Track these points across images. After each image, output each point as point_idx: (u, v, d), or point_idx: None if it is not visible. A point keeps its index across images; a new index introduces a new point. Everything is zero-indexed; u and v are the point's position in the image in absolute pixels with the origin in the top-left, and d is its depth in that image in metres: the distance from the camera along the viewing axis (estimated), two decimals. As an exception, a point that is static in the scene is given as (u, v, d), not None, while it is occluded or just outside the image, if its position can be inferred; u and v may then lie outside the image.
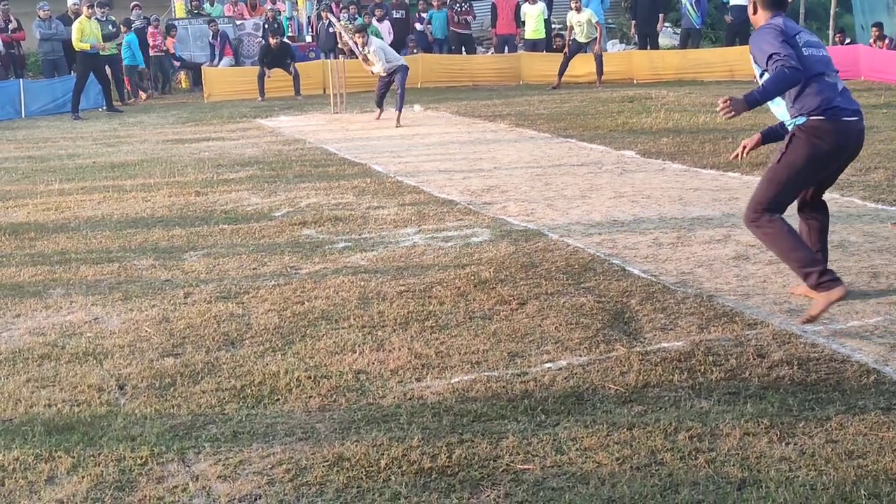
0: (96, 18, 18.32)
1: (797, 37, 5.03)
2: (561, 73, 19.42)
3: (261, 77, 20.01)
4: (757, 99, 4.97)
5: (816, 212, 5.41)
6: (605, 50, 22.34)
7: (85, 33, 17.60)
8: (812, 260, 4.98)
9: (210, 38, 22.66)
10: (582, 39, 19.40)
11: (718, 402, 4.03)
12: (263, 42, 20.98)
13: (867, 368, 4.32)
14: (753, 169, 9.21)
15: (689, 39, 21.38)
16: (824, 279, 4.87)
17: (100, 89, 19.19)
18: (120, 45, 20.68)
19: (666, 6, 21.54)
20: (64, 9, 21.20)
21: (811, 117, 5.02)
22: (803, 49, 4.99)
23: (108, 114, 18.17)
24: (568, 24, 19.67)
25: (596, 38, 19.52)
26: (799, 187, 5.20)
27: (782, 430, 3.73)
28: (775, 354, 4.52)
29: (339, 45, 17.98)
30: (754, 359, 4.48)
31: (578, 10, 19.39)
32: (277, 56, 20.03)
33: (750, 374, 4.30)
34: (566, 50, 19.73)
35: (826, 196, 7.78)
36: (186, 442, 3.87)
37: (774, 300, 5.34)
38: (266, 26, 22.62)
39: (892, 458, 3.47)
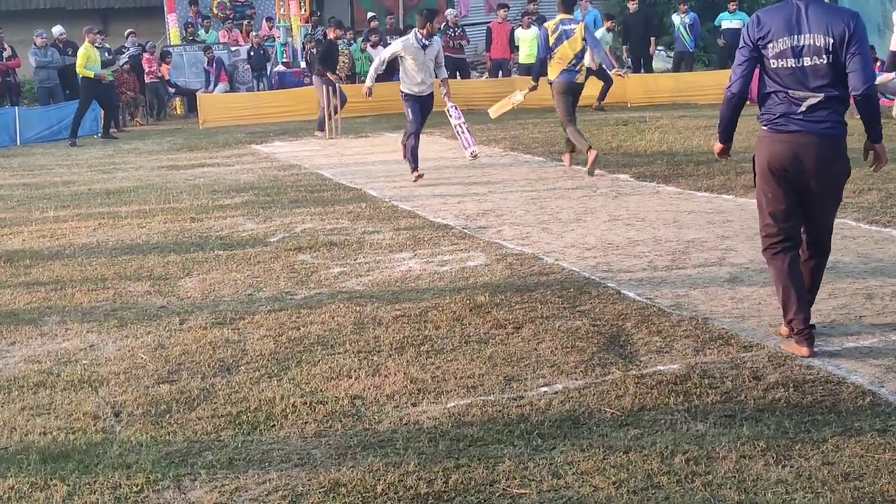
0: (97, 46, 18.41)
1: (770, 42, 4.78)
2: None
3: (327, 90, 16.83)
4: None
5: (811, 251, 5.08)
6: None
7: (90, 59, 17.66)
8: (793, 307, 4.85)
9: (205, 64, 22.72)
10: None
11: (714, 425, 4.03)
12: (319, 39, 19.96)
13: (863, 390, 4.33)
14: (748, 191, 9.24)
15: (682, 63, 21.47)
16: (797, 331, 4.84)
17: (94, 116, 19.22)
18: (116, 71, 20.73)
19: (658, 30, 21.63)
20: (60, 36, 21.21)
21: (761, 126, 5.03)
22: (772, 60, 4.80)
23: (104, 140, 18.07)
24: None
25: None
26: (769, 208, 5.03)
27: (779, 453, 3.73)
28: (771, 377, 4.53)
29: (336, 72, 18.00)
30: (750, 381, 4.48)
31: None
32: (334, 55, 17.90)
33: (746, 397, 4.31)
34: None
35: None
36: (182, 469, 3.86)
37: (770, 322, 5.34)
38: (252, 53, 22.73)
39: (888, 479, 3.47)
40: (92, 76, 17.65)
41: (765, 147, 5.04)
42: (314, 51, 22.14)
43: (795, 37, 4.73)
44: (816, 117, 4.78)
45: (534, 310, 5.77)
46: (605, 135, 14.76)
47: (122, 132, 20.07)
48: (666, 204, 8.94)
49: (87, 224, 9.37)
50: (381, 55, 11.70)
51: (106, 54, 19.92)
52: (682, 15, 20.99)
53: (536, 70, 12.28)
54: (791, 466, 3.63)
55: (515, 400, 4.41)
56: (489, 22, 22.96)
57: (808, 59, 4.71)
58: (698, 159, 11.47)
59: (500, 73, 22.44)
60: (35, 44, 20.24)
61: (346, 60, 17.72)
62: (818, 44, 4.69)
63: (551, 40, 11.16)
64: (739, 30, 21.01)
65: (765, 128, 5.02)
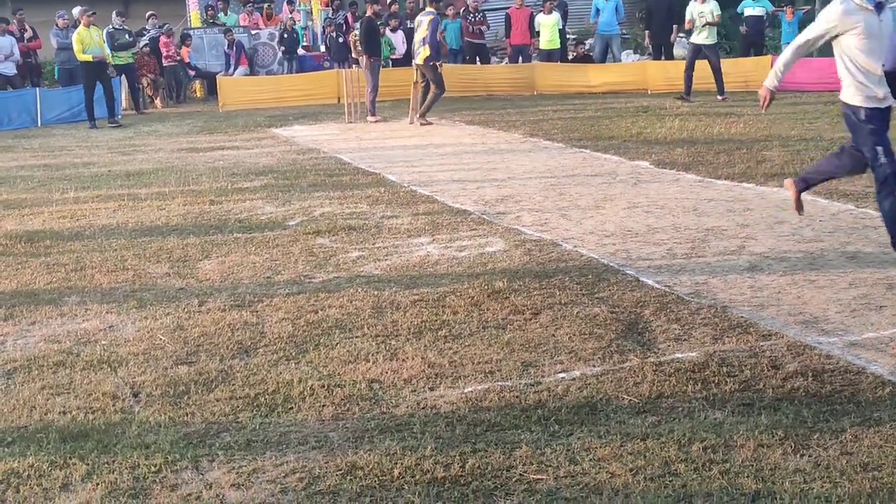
0: (115, 27, 18.37)
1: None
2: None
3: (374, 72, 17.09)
4: None
5: None
6: (619, 60, 22.28)
7: (85, 43, 17.39)
8: None
9: (225, 47, 22.73)
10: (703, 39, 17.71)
11: (732, 414, 4.02)
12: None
13: (882, 380, 4.31)
14: (768, 179, 9.21)
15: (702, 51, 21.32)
16: None
17: (117, 97, 19.28)
18: (136, 53, 20.78)
19: (680, 17, 21.50)
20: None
21: None
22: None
23: (110, 125, 17.73)
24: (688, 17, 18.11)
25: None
26: None
27: (797, 442, 3.72)
28: (790, 366, 4.51)
29: (353, 55, 17.98)
30: (768, 370, 4.47)
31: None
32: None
33: (764, 386, 4.29)
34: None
35: (841, 207, 7.80)
36: (200, 450, 3.88)
37: (789, 311, 5.32)
38: (285, 35, 22.68)
39: (907, 470, 3.45)
40: (90, 59, 17.40)
41: None
42: (334, 34, 22.13)
43: None
44: None
45: (552, 296, 5.76)
46: (624, 121, 14.71)
47: (142, 114, 20.14)
48: (686, 191, 8.90)
49: (106, 205, 9.41)
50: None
51: (126, 36, 19.98)
52: (699, 3, 20.82)
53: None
54: (809, 456, 3.61)
55: (533, 386, 4.41)
56: (509, 7, 22.85)
57: None
58: (718, 147, 11.42)
59: (521, 58, 22.38)
60: (57, 25, 20.28)
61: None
62: None
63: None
64: (762, 17, 21.07)
65: None
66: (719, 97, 17.60)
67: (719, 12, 17.62)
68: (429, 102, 15.93)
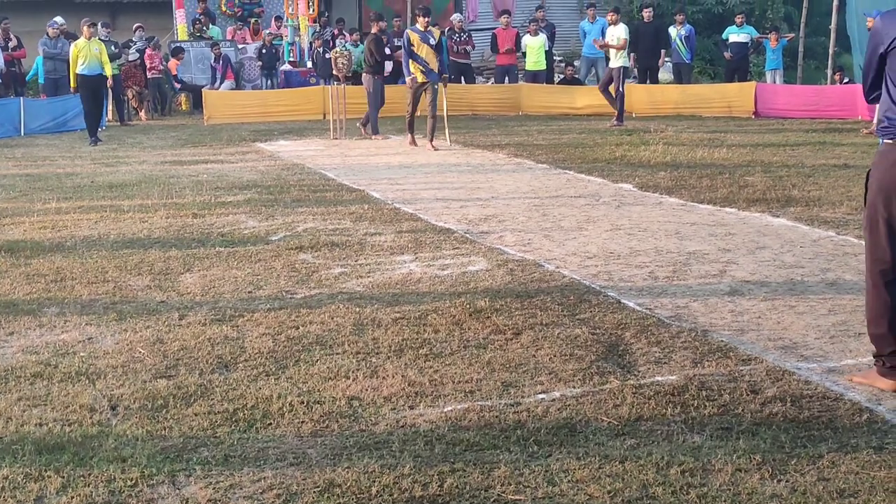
0: (101, 38, 17.93)
1: None
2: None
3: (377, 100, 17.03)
4: None
5: None
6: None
7: (83, 56, 16.40)
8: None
9: (212, 61, 22.71)
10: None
11: (711, 438, 4.02)
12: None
13: (860, 407, 4.32)
14: (750, 205, 9.25)
15: (681, 74, 21.50)
16: (891, 365, 4.53)
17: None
18: (123, 65, 20.74)
19: (667, 42, 21.67)
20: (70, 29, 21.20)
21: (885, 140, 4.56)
22: None
23: (91, 141, 16.59)
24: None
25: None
26: (888, 234, 4.52)
27: (774, 467, 3.73)
28: (769, 391, 4.52)
29: (334, 72, 17.92)
30: (747, 395, 4.48)
31: (615, 22, 18.22)
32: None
33: (743, 410, 4.30)
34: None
35: (822, 234, 7.83)
36: (177, 464, 3.85)
37: (769, 336, 5.34)
38: (264, 51, 22.70)
39: (883, 497, 3.47)
40: (85, 73, 16.43)
41: (887, 164, 4.51)
42: (320, 50, 22.16)
43: None
44: None
45: (533, 316, 5.77)
46: (609, 144, 14.77)
47: (126, 126, 20.08)
48: (668, 215, 8.94)
49: (88, 216, 9.38)
50: None
51: (113, 48, 19.93)
52: (679, 27, 21.00)
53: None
54: (786, 481, 3.62)
55: (513, 406, 4.41)
56: (495, 28, 22.94)
57: None
58: (701, 172, 11.48)
59: (507, 78, 22.46)
60: (47, 34, 20.20)
61: (345, 62, 17.65)
62: None
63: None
64: (746, 44, 21.26)
65: (889, 141, 4.51)
66: (615, 122, 17.75)
67: (626, 37, 17.90)
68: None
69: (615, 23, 18.09)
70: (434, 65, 14.98)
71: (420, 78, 14.97)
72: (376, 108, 16.90)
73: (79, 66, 16.44)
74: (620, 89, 17.74)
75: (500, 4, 27.75)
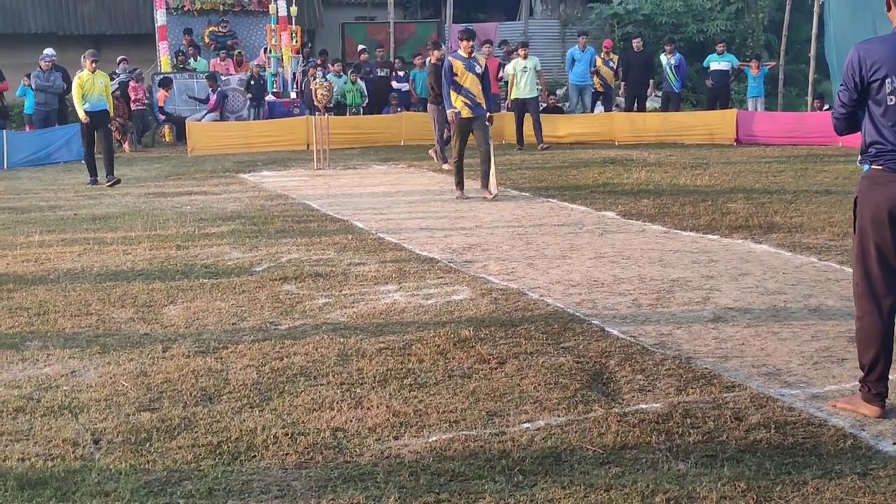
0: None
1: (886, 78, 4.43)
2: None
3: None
4: None
5: None
6: (589, 110, 22.49)
7: (85, 89, 15.17)
8: (880, 370, 4.57)
9: (209, 91, 22.71)
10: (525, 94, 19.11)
11: (696, 465, 4.03)
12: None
13: (844, 433, 4.34)
14: (733, 232, 9.30)
15: (670, 103, 21.64)
16: (875, 392, 4.56)
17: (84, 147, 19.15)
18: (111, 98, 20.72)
19: (656, 72, 21.82)
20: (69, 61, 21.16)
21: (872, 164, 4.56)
22: (889, 96, 4.43)
23: (108, 183, 15.21)
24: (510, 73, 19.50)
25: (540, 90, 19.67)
26: (876, 264, 4.59)
27: (759, 494, 3.73)
28: (753, 417, 4.53)
29: (315, 102, 17.92)
30: (732, 421, 4.49)
31: (525, 56, 19.31)
32: None
33: (727, 437, 4.31)
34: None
35: (804, 260, 7.87)
36: (161, 498, 3.83)
37: (752, 363, 5.36)
38: (252, 83, 22.73)
39: (868, 523, 3.47)
40: (89, 110, 15.23)
41: (879, 190, 4.54)
42: (314, 78, 22.20)
43: None
44: None
45: (518, 345, 5.77)
46: (591, 172, 14.82)
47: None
48: (651, 242, 8.97)
49: (72, 249, 9.35)
50: None
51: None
52: (669, 56, 21.17)
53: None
54: (771, 508, 3.63)
55: (497, 435, 4.41)
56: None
57: None
58: (684, 199, 11.53)
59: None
60: (40, 66, 20.20)
61: (326, 93, 17.66)
62: None
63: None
64: (727, 71, 21.46)
65: (879, 167, 4.54)
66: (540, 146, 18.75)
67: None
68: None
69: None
70: (480, 97, 12.49)
71: (465, 112, 12.44)
72: (441, 135, 16.69)
73: (84, 102, 15.19)
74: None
75: (481, 35, 27.92)
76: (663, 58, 21.18)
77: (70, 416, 4.80)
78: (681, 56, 21.54)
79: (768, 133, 18.86)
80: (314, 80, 18.87)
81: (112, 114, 16.69)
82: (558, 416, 4.64)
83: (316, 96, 17.23)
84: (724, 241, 8.89)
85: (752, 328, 6.02)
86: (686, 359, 5.45)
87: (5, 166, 18.42)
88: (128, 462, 4.20)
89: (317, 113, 17.89)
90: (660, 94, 21.91)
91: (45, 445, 4.42)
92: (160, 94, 22.66)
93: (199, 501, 3.80)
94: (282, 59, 23.64)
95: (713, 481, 3.85)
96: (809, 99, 21.56)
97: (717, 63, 21.59)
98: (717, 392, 4.90)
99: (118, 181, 15.04)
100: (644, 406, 4.73)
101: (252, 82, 22.79)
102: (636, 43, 21.60)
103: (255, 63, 23.61)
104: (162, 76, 23.14)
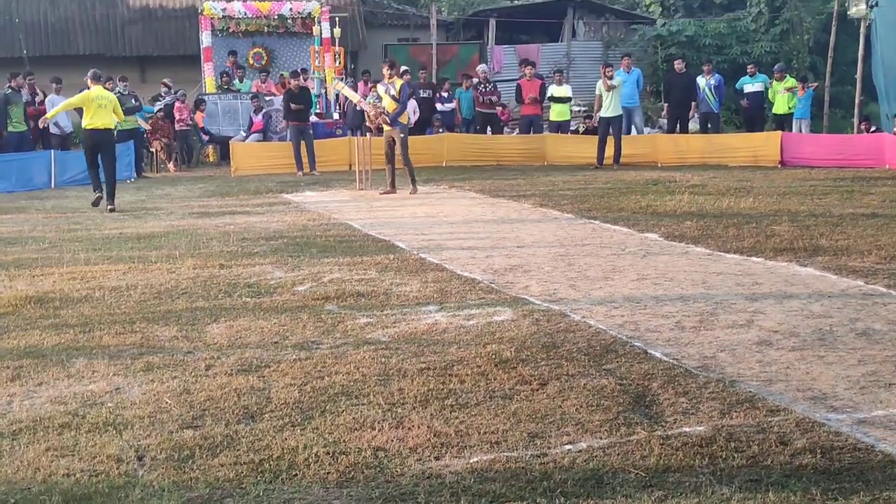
0: (120, 93, 17.94)
1: None
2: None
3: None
4: None
5: None
6: (641, 131, 22.45)
7: (89, 107, 14.67)
8: None
9: (252, 112, 22.94)
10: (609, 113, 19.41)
11: (740, 489, 3.98)
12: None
13: (892, 459, 4.27)
14: (777, 254, 9.21)
15: (709, 123, 21.57)
16: None
17: (129, 161, 19.42)
18: (150, 118, 21.01)
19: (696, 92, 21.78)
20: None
21: None
22: None
23: (108, 210, 14.64)
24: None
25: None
26: None
27: (805, 520, 3.68)
28: (798, 442, 4.48)
29: (367, 123, 18.07)
30: (777, 446, 4.43)
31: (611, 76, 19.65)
32: None
33: (772, 462, 4.26)
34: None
35: (850, 283, 7.78)
36: (203, 515, 3.85)
37: (797, 387, 5.29)
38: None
39: (917, 551, 3.41)
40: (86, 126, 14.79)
41: None
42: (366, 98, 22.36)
43: None
44: None
45: (559, 367, 5.75)
46: (634, 194, 14.78)
47: (147, 177, 20.26)
48: (695, 264, 8.91)
49: (117, 267, 9.45)
50: None
51: (132, 101, 20.24)
52: (707, 76, 21.10)
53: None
54: (817, 534, 3.58)
55: (539, 457, 4.39)
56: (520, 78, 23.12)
57: None
58: (728, 221, 11.45)
59: (532, 129, 22.56)
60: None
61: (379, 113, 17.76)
62: None
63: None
64: (761, 93, 21.32)
65: None
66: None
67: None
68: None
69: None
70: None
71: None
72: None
73: (85, 120, 14.78)
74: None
75: (523, 54, 28.00)
76: (701, 79, 21.11)
77: (114, 432, 4.84)
78: (720, 77, 21.49)
79: (813, 155, 18.72)
80: (366, 99, 18.94)
81: (120, 135, 17.04)
82: (600, 438, 4.61)
83: (369, 117, 17.26)
84: (769, 264, 8.81)
85: (797, 352, 5.95)
86: (730, 382, 5.39)
87: (53, 185, 18.69)
88: (171, 479, 4.23)
89: (369, 133, 17.97)
90: (698, 115, 21.83)
91: (90, 461, 4.46)
92: (198, 115, 22.93)
93: (240, 519, 3.81)
94: (325, 81, 23.82)
95: (758, 506, 3.80)
96: (855, 121, 21.38)
97: (750, 85, 21.52)
98: (761, 416, 4.84)
99: (113, 210, 14.51)
100: (687, 429, 4.69)
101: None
102: (678, 64, 21.59)
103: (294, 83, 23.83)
104: (197, 97, 23.41)
